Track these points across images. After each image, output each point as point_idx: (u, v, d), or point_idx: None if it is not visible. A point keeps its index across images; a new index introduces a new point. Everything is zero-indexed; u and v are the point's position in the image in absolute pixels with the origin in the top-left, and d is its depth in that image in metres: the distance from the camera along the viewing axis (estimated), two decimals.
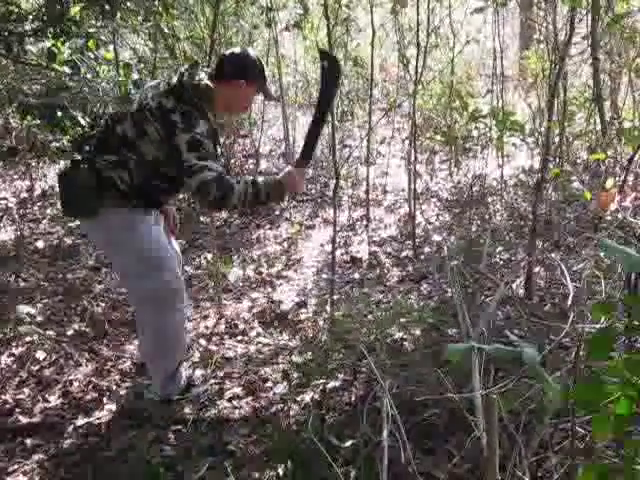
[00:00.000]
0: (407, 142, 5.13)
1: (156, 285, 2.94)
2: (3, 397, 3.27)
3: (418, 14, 4.87)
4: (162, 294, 2.97)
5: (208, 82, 2.88)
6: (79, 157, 2.93)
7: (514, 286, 3.95)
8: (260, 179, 2.84)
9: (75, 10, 3.95)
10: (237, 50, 3.01)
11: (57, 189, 3.05)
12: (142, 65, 5.67)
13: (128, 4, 4.30)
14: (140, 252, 2.92)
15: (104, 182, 2.82)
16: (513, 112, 5.38)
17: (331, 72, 2.90)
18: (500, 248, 4.64)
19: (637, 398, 1.21)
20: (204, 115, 2.83)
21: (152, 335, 3.07)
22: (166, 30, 5.46)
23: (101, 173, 2.82)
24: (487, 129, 5.94)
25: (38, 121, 4.28)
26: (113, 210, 2.85)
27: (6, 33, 3.75)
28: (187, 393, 3.17)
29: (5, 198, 6.49)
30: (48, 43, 4.02)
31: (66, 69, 3.98)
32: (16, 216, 6.02)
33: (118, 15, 4.23)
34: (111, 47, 5.44)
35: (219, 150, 2.91)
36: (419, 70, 4.93)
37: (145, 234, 2.94)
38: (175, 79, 2.86)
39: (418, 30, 4.77)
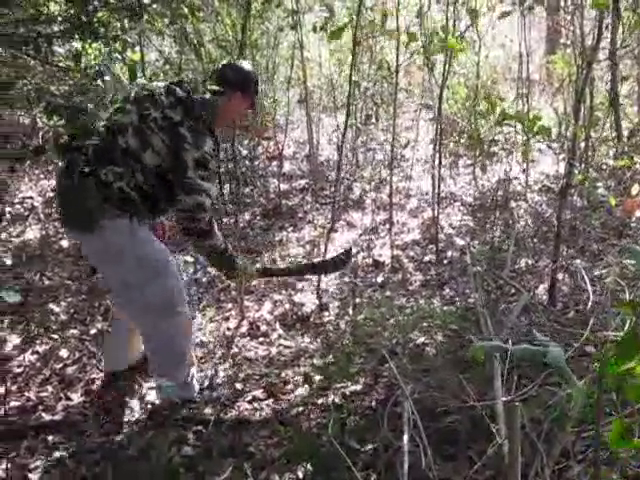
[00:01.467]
0: (431, 146, 5.11)
1: (160, 292, 2.92)
2: (26, 394, 3.30)
3: (447, 19, 4.85)
4: (166, 301, 2.95)
5: (215, 97, 2.94)
6: (78, 168, 2.82)
7: (538, 292, 3.92)
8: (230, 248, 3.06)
9: (102, 14, 3.98)
10: (236, 63, 3.12)
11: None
12: (168, 67, 5.70)
13: (154, 6, 4.33)
14: (141, 259, 2.87)
15: (110, 194, 2.75)
16: (540, 117, 5.34)
17: (344, 262, 3.36)
18: (524, 254, 4.61)
19: None
20: (210, 131, 2.87)
21: (161, 345, 3.06)
22: (192, 33, 5.48)
23: (107, 185, 2.74)
24: (514, 133, 5.90)
25: (64, 121, 4.32)
26: (111, 221, 2.78)
27: (35, 35, 3.79)
28: (206, 393, 3.18)
29: (31, 197, 6.55)
30: (76, 44, 4.05)
31: (91, 70, 4.01)
32: (41, 215, 6.07)
33: (145, 17, 4.26)
34: (137, 48, 5.48)
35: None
36: (445, 75, 4.91)
37: (146, 241, 2.90)
38: (179, 92, 2.87)
39: (446, 36, 4.75)
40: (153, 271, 2.90)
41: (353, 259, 4.11)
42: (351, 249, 3.51)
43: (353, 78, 6.72)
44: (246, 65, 3.11)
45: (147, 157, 2.78)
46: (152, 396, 3.21)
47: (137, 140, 2.79)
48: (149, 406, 3.14)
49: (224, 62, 3.36)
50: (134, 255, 2.84)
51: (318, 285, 4.46)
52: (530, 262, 4.46)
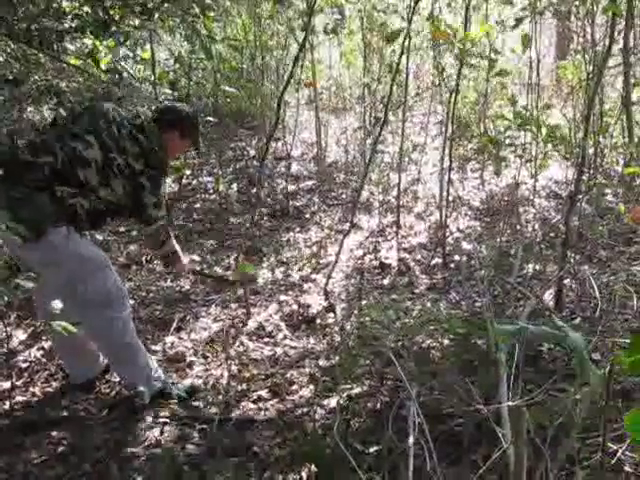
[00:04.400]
0: (440, 149, 5.11)
1: (102, 285, 2.98)
2: (32, 389, 3.31)
3: (465, 26, 4.85)
4: (110, 292, 3.01)
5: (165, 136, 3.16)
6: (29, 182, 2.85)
7: (544, 298, 3.91)
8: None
9: (114, 11, 3.99)
10: (174, 105, 3.41)
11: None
12: (178, 65, 5.70)
13: (166, 5, 4.34)
14: (82, 256, 2.94)
15: (60, 209, 2.84)
16: (558, 125, 5.34)
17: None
18: (531, 259, 4.60)
19: None
20: (166, 171, 3.18)
21: (112, 337, 3.09)
22: (203, 31, 5.49)
23: (62, 201, 2.84)
24: (523, 138, 5.89)
25: None
26: (54, 229, 2.83)
27: (46, 31, 3.80)
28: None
29: None
30: (87, 41, 4.07)
31: (103, 67, 4.03)
32: None
33: (156, 16, 4.26)
34: (148, 46, 5.49)
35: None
36: (455, 79, 4.91)
37: (87, 243, 3.01)
38: (142, 140, 3.02)
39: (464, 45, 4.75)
40: (94, 265, 2.98)
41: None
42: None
43: (363, 80, 6.74)
44: (183, 107, 3.34)
45: (103, 193, 2.97)
46: (157, 394, 3.20)
47: (98, 178, 2.92)
48: (154, 403, 3.14)
49: (165, 103, 3.75)
50: (76, 254, 2.92)
51: (325, 286, 4.47)
52: (537, 268, 4.45)
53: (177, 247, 3.36)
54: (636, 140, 5.80)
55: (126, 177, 2.96)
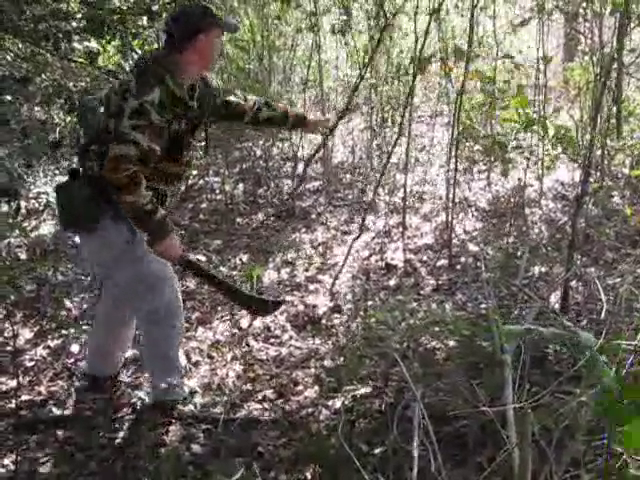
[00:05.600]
0: (446, 150, 5.11)
1: (154, 306, 2.94)
2: (38, 388, 3.33)
3: (471, 26, 4.84)
4: (159, 315, 2.97)
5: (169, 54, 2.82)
6: (79, 167, 2.90)
7: (550, 300, 3.90)
8: (163, 214, 2.78)
9: (121, 12, 4.01)
10: (179, 12, 2.95)
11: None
12: None
13: (173, 5, 4.35)
14: (140, 272, 2.90)
15: (104, 192, 2.75)
16: (567, 128, 5.33)
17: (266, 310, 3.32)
18: (537, 261, 4.59)
19: None
20: (161, 82, 2.73)
21: (147, 348, 3.11)
22: None
23: (101, 182, 2.72)
24: (530, 139, 5.88)
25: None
26: (113, 224, 2.81)
27: (54, 30, 3.82)
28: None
29: (46, 193, 6.57)
30: (94, 42, 4.08)
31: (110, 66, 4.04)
32: (56, 211, 6.08)
33: (164, 15, 4.28)
34: (155, 46, 5.50)
35: (191, 111, 2.87)
36: (462, 79, 4.91)
37: (146, 250, 2.87)
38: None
39: (470, 42, 4.74)
40: (151, 284, 2.93)
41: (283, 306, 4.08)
42: (282, 303, 3.69)
43: (370, 81, 6.73)
44: (191, 9, 2.95)
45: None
46: (163, 393, 3.21)
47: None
48: (159, 403, 3.14)
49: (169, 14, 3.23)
50: (133, 267, 2.89)
51: (332, 287, 4.47)
52: (543, 270, 4.44)
53: (160, 212, 2.75)
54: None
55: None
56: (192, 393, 3.19)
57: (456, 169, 5.02)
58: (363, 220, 4.81)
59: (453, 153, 5.12)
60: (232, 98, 3.21)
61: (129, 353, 3.59)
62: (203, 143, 3.21)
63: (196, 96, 2.92)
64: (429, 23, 4.65)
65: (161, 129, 2.72)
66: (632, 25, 4.74)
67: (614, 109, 6.03)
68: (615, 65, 5.12)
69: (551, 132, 4.51)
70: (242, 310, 3.82)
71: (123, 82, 2.81)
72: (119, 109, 2.67)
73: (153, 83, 2.70)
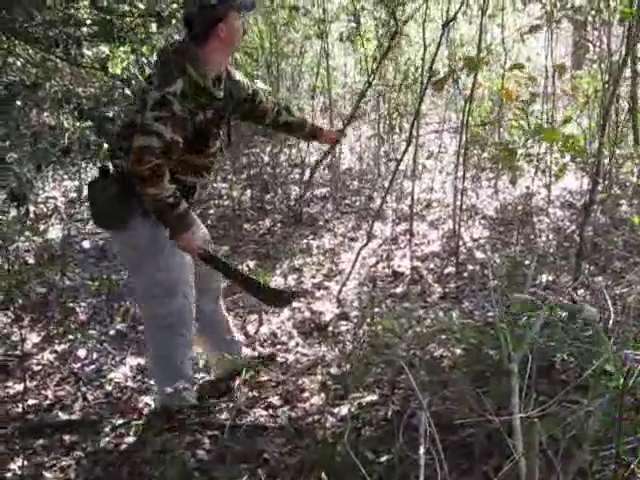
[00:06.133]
0: (454, 157, 5.10)
1: (167, 310, 2.94)
2: (44, 393, 3.34)
3: (480, 34, 4.85)
4: (170, 321, 2.96)
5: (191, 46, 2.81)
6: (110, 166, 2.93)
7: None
8: (185, 207, 2.79)
9: (131, 18, 4.03)
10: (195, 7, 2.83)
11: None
12: None
13: (182, 11, 4.37)
14: (159, 275, 2.91)
15: (132, 188, 2.76)
16: (575, 136, 5.31)
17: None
18: (544, 269, 4.58)
19: None
20: (183, 73, 2.73)
21: (154, 355, 3.10)
22: None
23: (129, 178, 2.75)
24: (537, 147, 5.87)
25: (91, 123, 4.37)
26: (142, 221, 2.83)
27: (64, 36, 3.84)
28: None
29: (54, 197, 6.61)
30: (104, 48, 4.09)
31: (118, 72, 4.05)
32: (64, 215, 6.12)
33: (173, 22, 4.30)
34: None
35: (217, 102, 2.87)
36: (470, 86, 4.91)
37: (168, 254, 2.89)
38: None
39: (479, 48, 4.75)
40: (165, 289, 2.93)
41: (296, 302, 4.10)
42: (299, 294, 3.83)
43: (378, 88, 6.74)
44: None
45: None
46: (169, 399, 3.21)
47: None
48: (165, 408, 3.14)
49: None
50: (152, 269, 2.90)
51: (339, 294, 4.47)
52: (551, 278, 4.43)
53: (182, 205, 2.76)
54: None
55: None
56: (198, 399, 3.20)
57: (463, 176, 5.01)
58: (371, 227, 4.82)
59: (461, 160, 5.12)
60: (259, 93, 3.22)
61: (135, 360, 3.60)
62: (225, 138, 3.15)
63: (222, 86, 2.92)
64: (442, 34, 4.65)
65: (184, 120, 2.72)
66: None
67: (622, 117, 6.03)
68: (629, 73, 5.13)
69: (567, 144, 4.49)
70: (261, 304, 3.78)
71: (149, 76, 2.87)
72: (143, 102, 2.71)
73: (176, 75, 2.70)
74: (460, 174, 5.17)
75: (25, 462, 2.68)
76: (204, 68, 2.80)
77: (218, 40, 2.80)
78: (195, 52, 2.80)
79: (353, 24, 6.48)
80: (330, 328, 4.04)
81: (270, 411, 3.11)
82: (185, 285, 2.99)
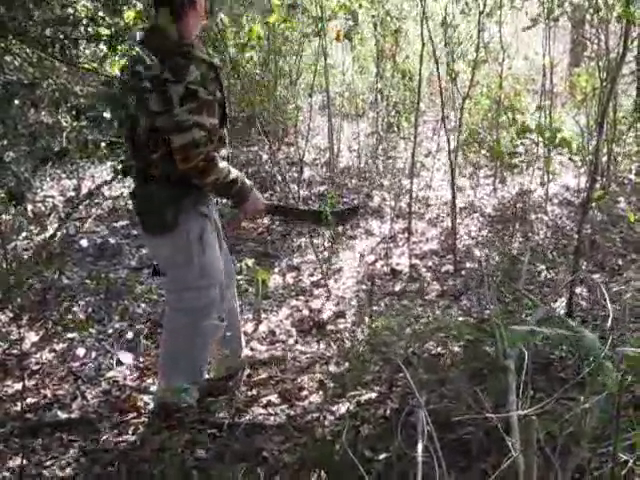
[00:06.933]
0: (452, 156, 5.11)
1: (202, 301, 2.96)
2: (43, 392, 3.33)
3: (479, 32, 4.86)
4: (204, 310, 2.98)
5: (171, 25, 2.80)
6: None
7: (556, 306, 3.90)
8: (240, 174, 2.86)
9: (129, 15, 4.02)
10: None
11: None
12: None
13: None
14: (207, 265, 2.93)
15: (181, 190, 2.79)
16: (560, 129, 5.32)
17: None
18: (542, 266, 4.58)
19: None
20: (189, 58, 2.72)
21: (174, 350, 3.08)
22: (216, 37, 5.52)
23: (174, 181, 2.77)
24: (534, 145, 5.89)
25: (88, 123, 4.36)
26: (193, 216, 2.85)
27: (61, 36, 3.82)
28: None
29: (52, 196, 6.60)
30: (102, 46, 4.08)
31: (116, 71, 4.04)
32: (62, 214, 6.11)
33: None
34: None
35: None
36: (467, 84, 4.92)
37: (213, 243, 2.94)
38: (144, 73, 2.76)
39: (479, 47, 4.75)
40: (204, 279, 2.95)
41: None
42: (358, 207, 4.14)
43: (376, 86, 6.75)
44: None
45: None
46: (167, 397, 3.21)
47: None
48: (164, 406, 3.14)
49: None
50: (196, 262, 2.91)
51: (336, 291, 4.47)
52: (549, 275, 4.43)
53: (238, 176, 2.87)
54: None
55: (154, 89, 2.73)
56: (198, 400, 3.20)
57: (460, 174, 5.02)
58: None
59: (458, 158, 5.12)
60: None
61: (132, 359, 3.61)
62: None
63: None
64: (445, 32, 4.65)
65: (212, 102, 2.75)
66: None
67: (620, 115, 6.04)
68: (626, 70, 5.14)
69: (553, 138, 4.50)
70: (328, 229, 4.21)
71: (147, 76, 2.75)
72: (165, 101, 2.66)
73: (185, 63, 2.69)
74: (456, 172, 5.17)
75: (24, 461, 2.68)
76: (192, 40, 2.84)
77: (195, 10, 2.82)
78: (180, 29, 2.79)
79: (351, 22, 6.48)
80: (328, 326, 4.05)
81: (269, 409, 3.12)
82: (222, 275, 3.03)
